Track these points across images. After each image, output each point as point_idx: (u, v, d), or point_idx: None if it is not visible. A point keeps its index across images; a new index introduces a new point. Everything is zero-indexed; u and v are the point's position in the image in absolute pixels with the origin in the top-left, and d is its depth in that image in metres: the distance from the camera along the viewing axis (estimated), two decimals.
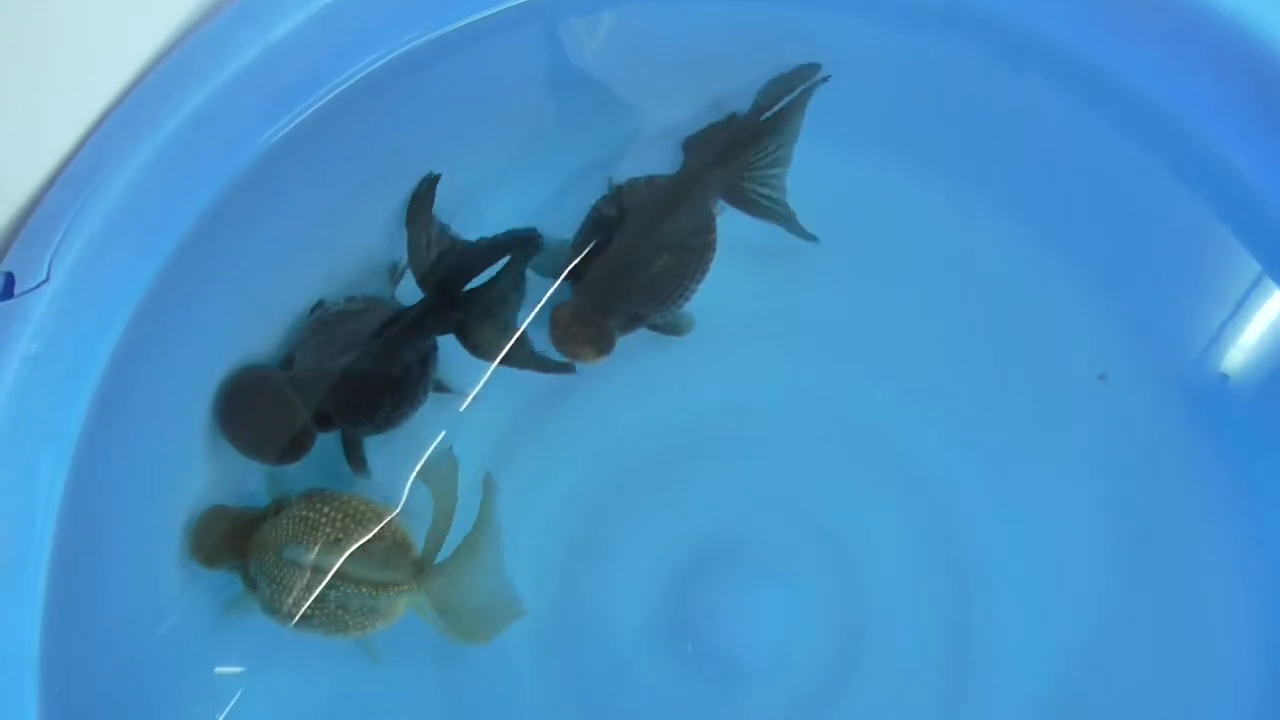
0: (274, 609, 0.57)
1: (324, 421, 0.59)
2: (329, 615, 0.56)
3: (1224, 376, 0.60)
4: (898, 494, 0.62)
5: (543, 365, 0.60)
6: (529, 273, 0.61)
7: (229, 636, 0.59)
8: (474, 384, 0.61)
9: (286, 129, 0.59)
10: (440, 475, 0.58)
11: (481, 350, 0.60)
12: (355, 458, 0.60)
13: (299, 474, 0.60)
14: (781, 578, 0.62)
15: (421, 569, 0.57)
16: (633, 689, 0.60)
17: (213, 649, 0.59)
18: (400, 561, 0.57)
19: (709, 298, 0.61)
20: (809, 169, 0.61)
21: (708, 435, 0.63)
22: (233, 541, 0.58)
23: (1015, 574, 0.60)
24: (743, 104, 0.62)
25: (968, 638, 0.60)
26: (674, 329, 0.62)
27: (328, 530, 0.56)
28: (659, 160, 0.62)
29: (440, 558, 0.58)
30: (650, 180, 0.61)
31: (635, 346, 0.61)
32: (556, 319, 0.60)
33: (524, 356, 0.60)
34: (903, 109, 0.64)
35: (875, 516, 0.62)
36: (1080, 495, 0.61)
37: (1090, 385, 0.61)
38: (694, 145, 0.62)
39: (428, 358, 0.60)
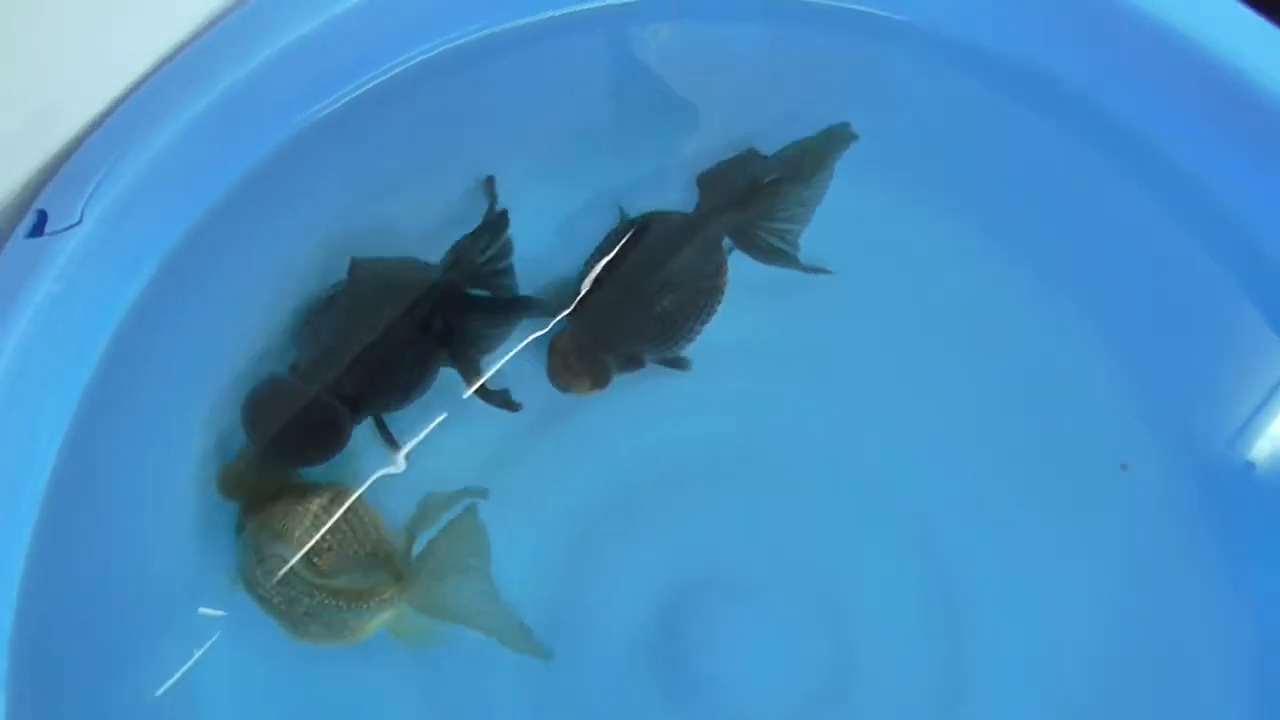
0: (246, 582, 0.57)
1: (353, 407, 0.58)
2: (294, 617, 0.56)
3: (1246, 469, 0.59)
4: (894, 541, 0.61)
5: (487, 397, 0.60)
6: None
7: (212, 592, 0.59)
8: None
9: (331, 108, 0.59)
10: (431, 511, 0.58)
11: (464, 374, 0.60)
12: (385, 435, 0.60)
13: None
14: (771, 614, 0.61)
15: (401, 575, 0.57)
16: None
17: (193, 601, 0.59)
18: (380, 572, 0.57)
19: (714, 328, 0.60)
20: (828, 206, 0.60)
21: (705, 466, 0.62)
22: (255, 486, 0.58)
23: (1010, 631, 0.59)
24: (763, 144, 0.61)
25: (960, 689, 0.59)
26: (676, 363, 0.62)
27: (329, 539, 0.56)
28: (674, 192, 0.62)
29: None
30: (665, 216, 0.60)
31: (637, 373, 0.61)
32: (556, 347, 0.59)
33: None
34: (934, 154, 0.63)
35: (869, 561, 0.61)
36: (1081, 561, 0.60)
37: (1101, 452, 0.60)
38: (709, 183, 0.61)
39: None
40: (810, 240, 0.60)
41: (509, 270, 0.60)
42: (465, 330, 0.60)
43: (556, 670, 0.58)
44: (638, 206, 0.61)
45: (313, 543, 0.56)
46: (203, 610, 0.58)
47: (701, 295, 0.59)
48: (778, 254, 0.60)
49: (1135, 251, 0.62)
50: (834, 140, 0.60)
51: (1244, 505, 0.59)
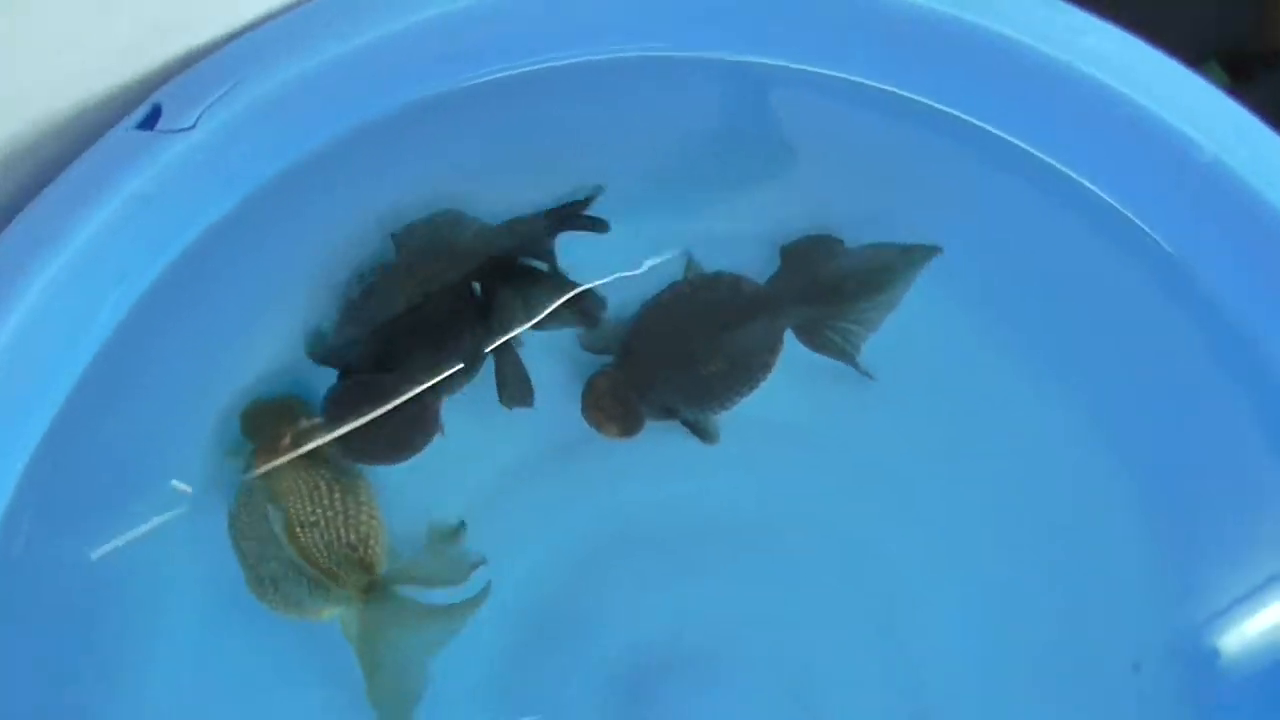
0: (231, 525, 0.56)
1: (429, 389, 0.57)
2: (258, 574, 0.54)
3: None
4: (876, 653, 0.59)
5: (504, 379, 0.58)
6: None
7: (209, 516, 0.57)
8: None
9: (447, 88, 0.58)
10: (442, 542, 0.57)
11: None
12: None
13: None
14: (741, 694, 0.59)
15: (371, 589, 0.55)
16: None
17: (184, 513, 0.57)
18: (354, 571, 0.55)
19: (751, 398, 0.59)
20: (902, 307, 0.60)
21: (703, 532, 0.61)
22: (276, 433, 0.57)
23: None
24: (849, 233, 0.61)
25: None
26: (704, 433, 0.60)
27: (319, 514, 0.55)
28: (743, 253, 0.61)
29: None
30: (737, 281, 0.60)
31: (662, 427, 0.60)
32: (594, 385, 0.58)
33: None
34: (1019, 282, 0.62)
35: (850, 665, 0.59)
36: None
37: (1110, 640, 0.58)
38: (791, 257, 0.60)
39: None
40: (878, 339, 0.60)
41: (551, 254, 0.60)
42: (502, 295, 0.59)
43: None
44: (704, 260, 0.61)
45: (303, 511, 0.55)
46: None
47: (751, 370, 0.59)
48: (837, 350, 0.60)
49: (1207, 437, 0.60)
50: (919, 254, 0.60)
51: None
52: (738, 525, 0.61)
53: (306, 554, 0.54)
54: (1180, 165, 0.55)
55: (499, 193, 0.61)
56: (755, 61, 0.60)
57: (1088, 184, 0.59)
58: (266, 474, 0.56)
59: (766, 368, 0.59)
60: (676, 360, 0.58)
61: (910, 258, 0.60)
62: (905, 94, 0.60)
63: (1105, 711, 0.58)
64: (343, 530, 0.55)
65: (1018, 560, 0.60)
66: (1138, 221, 0.59)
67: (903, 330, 0.60)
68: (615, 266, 0.61)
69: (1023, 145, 0.60)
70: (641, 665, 0.58)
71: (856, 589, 0.60)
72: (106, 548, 0.55)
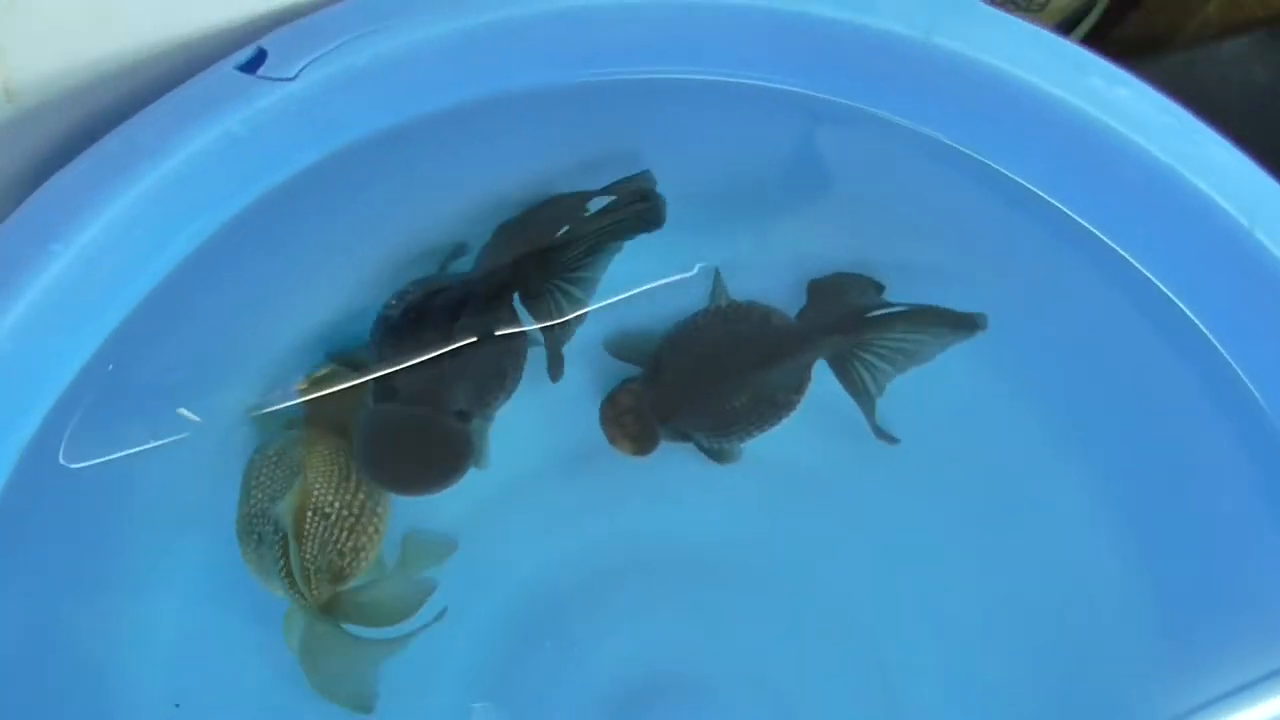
0: (249, 467, 0.56)
1: (464, 416, 0.56)
2: (248, 524, 0.55)
3: None
4: (863, 702, 0.60)
5: (553, 352, 0.58)
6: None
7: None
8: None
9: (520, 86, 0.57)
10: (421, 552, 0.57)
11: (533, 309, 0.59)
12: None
13: None
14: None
15: (329, 609, 0.54)
16: None
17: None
18: (324, 584, 0.55)
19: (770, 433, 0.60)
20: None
21: (706, 558, 0.61)
22: (333, 407, 0.57)
23: None
24: (884, 277, 0.60)
25: None
26: (720, 455, 0.61)
27: (333, 509, 0.55)
28: (769, 279, 0.61)
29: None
30: (769, 314, 0.59)
31: (674, 452, 0.60)
32: (616, 399, 0.58)
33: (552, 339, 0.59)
34: (1055, 354, 0.62)
35: (833, 706, 0.60)
36: None
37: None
38: (819, 292, 0.60)
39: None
40: (901, 391, 0.59)
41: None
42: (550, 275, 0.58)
43: None
44: (733, 282, 0.61)
45: (323, 493, 0.55)
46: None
47: (776, 406, 0.59)
48: (862, 392, 0.59)
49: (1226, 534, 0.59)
50: (963, 325, 0.59)
51: None
52: (739, 556, 0.62)
53: (300, 538, 0.54)
54: (1255, 277, 0.54)
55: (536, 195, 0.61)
56: (822, 98, 0.59)
57: (1150, 275, 0.58)
58: (310, 439, 0.56)
59: (791, 405, 0.59)
60: (703, 390, 0.58)
61: (952, 325, 0.59)
62: (975, 155, 0.59)
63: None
64: (345, 535, 0.55)
65: (1012, 636, 0.60)
66: (1197, 321, 0.57)
67: (925, 384, 0.60)
68: (645, 278, 0.61)
69: (1084, 223, 0.58)
70: (630, 682, 0.59)
71: (848, 635, 0.61)
72: (131, 462, 0.55)
